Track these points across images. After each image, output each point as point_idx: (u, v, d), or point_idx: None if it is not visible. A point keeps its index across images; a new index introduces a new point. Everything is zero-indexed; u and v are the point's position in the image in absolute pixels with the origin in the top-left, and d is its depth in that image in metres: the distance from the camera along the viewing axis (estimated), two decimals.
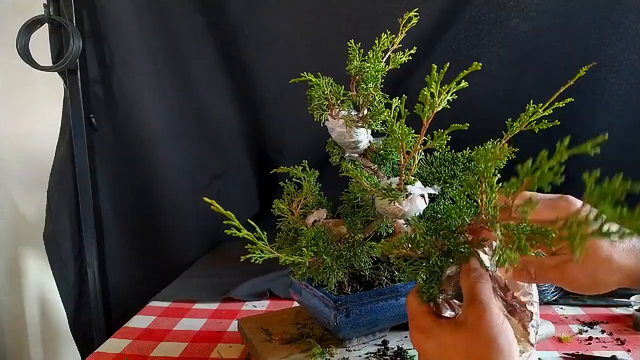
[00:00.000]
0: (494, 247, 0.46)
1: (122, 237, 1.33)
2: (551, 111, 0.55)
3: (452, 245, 0.47)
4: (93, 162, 1.25)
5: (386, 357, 0.63)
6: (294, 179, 0.70)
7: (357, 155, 0.64)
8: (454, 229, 0.48)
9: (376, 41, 0.60)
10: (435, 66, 0.45)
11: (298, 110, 0.65)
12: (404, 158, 0.52)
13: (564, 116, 0.56)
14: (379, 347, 0.66)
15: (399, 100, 0.55)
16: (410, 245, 0.49)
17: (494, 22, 1.15)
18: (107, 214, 1.30)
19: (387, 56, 0.62)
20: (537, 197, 0.45)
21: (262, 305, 0.97)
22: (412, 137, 0.52)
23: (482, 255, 0.46)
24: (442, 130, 0.50)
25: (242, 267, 1.09)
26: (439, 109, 0.47)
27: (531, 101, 0.55)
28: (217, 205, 0.44)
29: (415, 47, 0.62)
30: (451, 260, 0.47)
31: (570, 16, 1.12)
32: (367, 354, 0.64)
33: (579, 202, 0.44)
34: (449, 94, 0.47)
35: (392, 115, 0.52)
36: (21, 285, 1.60)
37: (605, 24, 1.11)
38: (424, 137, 0.50)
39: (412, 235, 0.50)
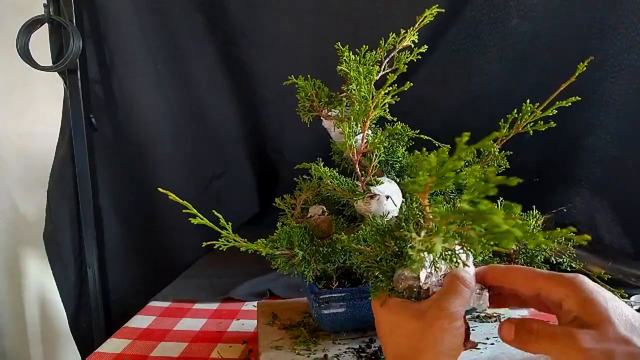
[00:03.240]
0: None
1: (122, 237, 1.33)
2: (555, 111, 0.55)
3: (400, 247, 0.47)
4: (93, 162, 1.25)
5: (363, 354, 0.64)
6: (305, 176, 0.71)
7: None
8: (402, 230, 0.47)
9: (382, 41, 0.60)
10: (380, 68, 0.45)
11: (297, 110, 0.65)
12: (354, 159, 0.53)
13: (564, 116, 0.56)
14: (362, 345, 0.66)
15: (345, 102, 0.55)
16: (364, 242, 0.50)
17: (494, 22, 1.15)
18: (107, 214, 1.30)
19: (391, 55, 0.62)
20: (544, 274, 0.42)
21: None
22: (352, 139, 0.52)
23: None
24: (380, 132, 0.50)
25: (242, 267, 1.10)
26: (375, 113, 0.48)
27: (528, 101, 0.55)
28: (174, 196, 0.46)
29: (426, 46, 0.62)
30: (402, 262, 0.47)
31: (570, 16, 1.12)
32: (347, 349, 0.65)
33: (591, 284, 0.40)
34: (389, 96, 0.47)
35: (344, 117, 0.53)
36: (21, 285, 1.60)
37: (605, 24, 1.11)
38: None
39: (362, 233, 0.50)
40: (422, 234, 0.44)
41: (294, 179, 0.72)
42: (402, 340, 0.43)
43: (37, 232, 1.32)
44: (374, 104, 0.47)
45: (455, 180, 0.35)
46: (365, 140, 0.52)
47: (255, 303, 0.97)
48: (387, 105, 0.49)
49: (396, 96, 0.48)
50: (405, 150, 0.63)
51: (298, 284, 0.99)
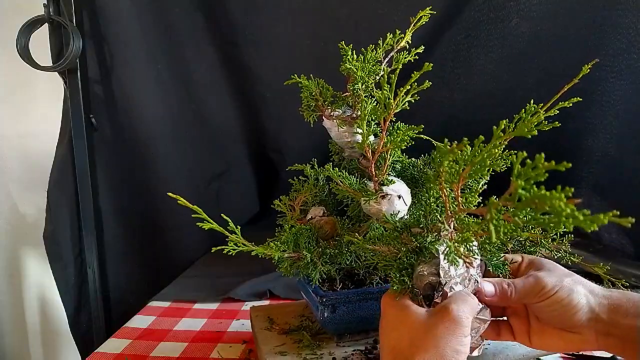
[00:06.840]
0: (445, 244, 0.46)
1: (122, 237, 1.33)
2: (557, 111, 0.55)
3: (420, 243, 0.47)
4: (93, 162, 1.25)
5: (371, 356, 0.64)
6: (300, 177, 0.71)
7: (356, 154, 0.64)
8: (422, 226, 0.48)
9: (380, 41, 0.60)
10: (388, 69, 0.45)
11: (298, 110, 0.65)
12: (370, 158, 0.53)
13: (564, 116, 0.56)
14: (367, 346, 0.66)
15: (373, 100, 0.55)
16: (379, 241, 0.50)
17: (494, 22, 1.15)
18: (107, 214, 1.30)
19: (390, 56, 0.62)
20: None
21: None
22: (370, 137, 0.52)
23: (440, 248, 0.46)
24: (401, 131, 0.50)
25: (242, 267, 1.10)
26: (397, 110, 0.48)
27: (532, 101, 0.55)
28: (184, 201, 0.46)
29: (422, 47, 0.62)
30: (422, 259, 0.47)
31: (570, 16, 1.12)
32: (354, 350, 0.65)
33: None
34: (409, 96, 0.47)
35: (363, 116, 0.53)
36: (21, 285, 1.60)
37: (605, 24, 1.11)
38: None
39: (381, 231, 0.50)
40: (452, 226, 0.44)
41: (292, 179, 0.72)
42: (405, 336, 0.44)
43: (37, 232, 1.32)
44: (396, 103, 0.47)
45: (490, 167, 0.36)
46: (384, 140, 0.51)
47: (255, 304, 0.98)
48: (407, 104, 0.49)
49: (416, 95, 0.48)
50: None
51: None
